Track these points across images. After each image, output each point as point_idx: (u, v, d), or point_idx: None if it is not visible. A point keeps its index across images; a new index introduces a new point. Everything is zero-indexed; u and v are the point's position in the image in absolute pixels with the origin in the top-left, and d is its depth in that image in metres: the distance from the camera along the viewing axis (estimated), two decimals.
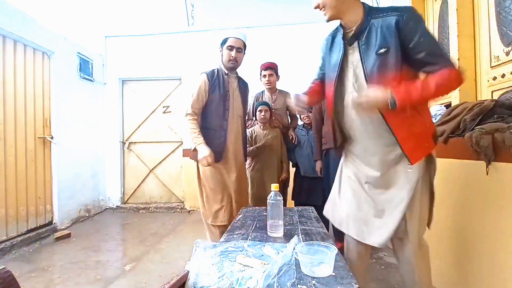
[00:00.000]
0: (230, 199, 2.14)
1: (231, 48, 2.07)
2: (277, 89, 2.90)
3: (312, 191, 2.71)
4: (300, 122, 2.94)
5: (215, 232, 2.13)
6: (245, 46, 2.15)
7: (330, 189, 1.97)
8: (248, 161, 2.65)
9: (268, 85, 2.82)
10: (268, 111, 2.66)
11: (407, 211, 1.25)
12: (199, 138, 2.03)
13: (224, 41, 2.11)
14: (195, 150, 2.06)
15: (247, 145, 2.55)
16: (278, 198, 1.33)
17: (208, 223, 2.15)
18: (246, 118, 2.55)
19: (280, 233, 1.32)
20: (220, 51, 2.15)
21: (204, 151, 1.99)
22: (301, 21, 4.36)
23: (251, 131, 2.75)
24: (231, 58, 2.08)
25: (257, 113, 2.69)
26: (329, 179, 2.44)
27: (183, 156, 4.51)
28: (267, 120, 2.68)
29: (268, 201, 1.34)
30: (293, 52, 4.21)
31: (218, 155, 2.08)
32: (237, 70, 2.24)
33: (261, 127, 2.73)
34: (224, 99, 2.10)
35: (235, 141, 2.18)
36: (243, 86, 2.28)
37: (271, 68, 2.79)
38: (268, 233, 1.33)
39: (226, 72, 2.16)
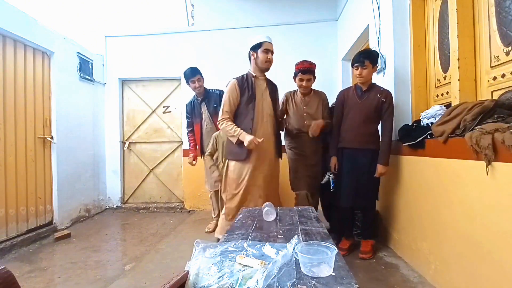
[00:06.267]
0: (254, 196, 2.26)
1: (267, 51, 2.27)
2: (312, 89, 2.78)
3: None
4: None
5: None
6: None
7: (343, 186, 2.46)
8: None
9: (304, 90, 2.70)
10: None
11: None
12: (237, 130, 2.21)
13: (259, 45, 2.27)
14: (238, 142, 2.23)
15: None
16: (271, 206, 1.65)
17: (227, 220, 2.32)
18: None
19: (273, 217, 1.60)
20: (252, 54, 2.31)
21: (247, 137, 2.15)
22: (301, 21, 4.36)
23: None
24: (268, 60, 2.29)
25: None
26: (342, 177, 2.49)
27: (183, 156, 4.52)
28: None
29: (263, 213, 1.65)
30: (293, 52, 4.21)
31: (243, 154, 2.22)
32: (267, 74, 2.44)
33: None
34: (251, 101, 2.26)
35: (264, 140, 2.22)
36: (272, 86, 2.45)
37: (310, 71, 2.63)
38: (264, 218, 1.60)
39: (254, 75, 2.32)
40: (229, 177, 2.34)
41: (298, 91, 2.78)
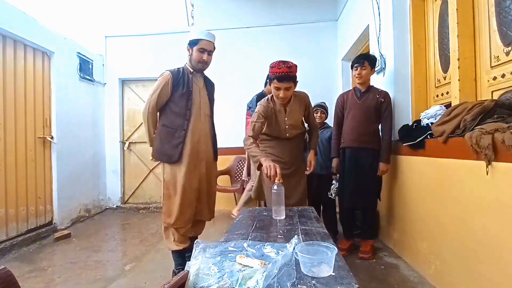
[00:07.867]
0: (191, 199, 2.08)
1: (203, 50, 2.03)
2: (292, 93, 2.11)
3: (321, 188, 2.74)
4: None
5: (176, 235, 2.11)
6: (214, 48, 2.11)
7: (344, 186, 2.46)
8: None
9: (281, 101, 2.07)
10: None
11: None
12: (149, 142, 2.17)
13: (195, 42, 2.03)
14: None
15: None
16: (281, 187, 1.57)
17: (169, 226, 2.11)
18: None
19: (283, 215, 1.56)
20: (189, 50, 2.08)
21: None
22: (301, 21, 4.37)
23: None
24: (202, 60, 2.06)
25: None
26: (344, 177, 2.49)
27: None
28: None
29: (272, 190, 1.58)
30: (293, 52, 4.21)
31: (175, 155, 2.02)
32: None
33: None
34: (186, 98, 2.05)
35: (200, 141, 2.11)
36: (209, 85, 2.24)
37: (289, 77, 1.93)
38: (273, 216, 1.56)
39: (191, 71, 2.11)
40: (164, 180, 2.10)
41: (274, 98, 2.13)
